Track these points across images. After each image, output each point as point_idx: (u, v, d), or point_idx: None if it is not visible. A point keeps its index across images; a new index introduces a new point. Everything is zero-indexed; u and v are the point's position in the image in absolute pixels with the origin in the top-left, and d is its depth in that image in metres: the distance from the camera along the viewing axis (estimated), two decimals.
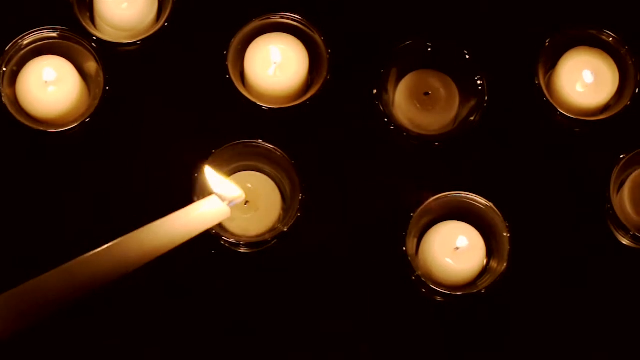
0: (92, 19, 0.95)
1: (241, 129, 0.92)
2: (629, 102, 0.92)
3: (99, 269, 0.72)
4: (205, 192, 0.90)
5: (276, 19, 0.92)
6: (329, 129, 0.95)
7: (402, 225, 0.89)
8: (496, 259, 0.90)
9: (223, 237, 0.89)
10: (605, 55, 0.94)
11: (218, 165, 0.90)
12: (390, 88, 0.93)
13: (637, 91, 0.92)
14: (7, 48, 0.91)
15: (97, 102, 0.90)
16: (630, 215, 0.92)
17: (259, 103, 0.91)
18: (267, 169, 0.92)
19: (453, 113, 0.94)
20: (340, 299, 0.92)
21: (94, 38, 0.91)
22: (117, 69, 0.92)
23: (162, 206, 0.93)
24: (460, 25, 0.97)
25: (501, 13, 0.98)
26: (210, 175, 0.80)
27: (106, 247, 0.72)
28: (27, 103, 0.91)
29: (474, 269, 0.90)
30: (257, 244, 0.90)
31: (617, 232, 0.92)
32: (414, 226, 0.90)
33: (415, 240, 0.92)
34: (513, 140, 0.96)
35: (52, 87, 0.91)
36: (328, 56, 0.91)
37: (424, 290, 0.90)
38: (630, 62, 0.93)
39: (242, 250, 0.91)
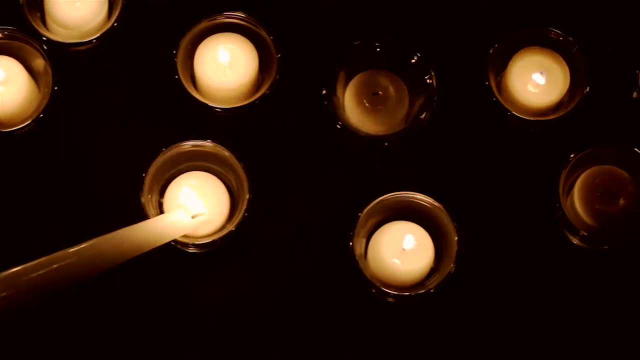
0: (43, 19, 0.94)
1: (191, 128, 0.92)
2: (579, 102, 0.91)
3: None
4: (155, 193, 0.91)
5: (222, 19, 0.92)
6: (278, 129, 0.95)
7: (350, 225, 0.89)
8: (445, 260, 0.90)
9: None
10: (556, 55, 0.94)
11: (166, 165, 0.90)
12: (339, 88, 0.93)
13: (587, 90, 0.91)
14: None
15: (46, 101, 0.90)
16: (580, 216, 0.91)
17: (208, 103, 0.91)
18: (216, 168, 0.92)
19: (403, 112, 0.93)
20: (288, 299, 0.92)
21: (44, 39, 0.91)
22: (67, 68, 0.91)
23: (112, 206, 0.94)
24: (412, 25, 0.97)
25: (452, 13, 0.98)
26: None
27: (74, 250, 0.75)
28: None
29: (422, 270, 0.90)
30: (206, 245, 0.90)
31: (567, 232, 0.92)
32: (361, 227, 0.90)
33: (364, 240, 0.91)
34: (463, 141, 0.95)
35: (0, 87, 0.91)
36: (278, 56, 0.91)
37: (373, 291, 0.89)
38: (581, 61, 0.92)
39: (191, 250, 0.91)
